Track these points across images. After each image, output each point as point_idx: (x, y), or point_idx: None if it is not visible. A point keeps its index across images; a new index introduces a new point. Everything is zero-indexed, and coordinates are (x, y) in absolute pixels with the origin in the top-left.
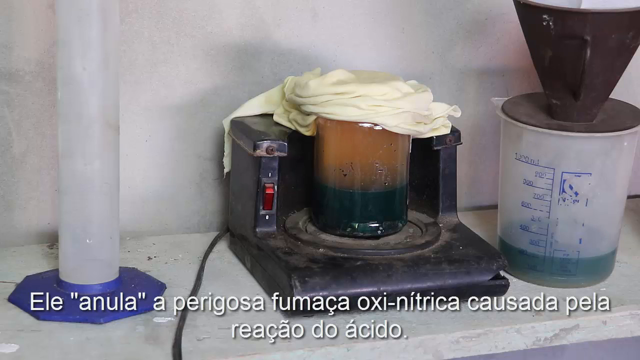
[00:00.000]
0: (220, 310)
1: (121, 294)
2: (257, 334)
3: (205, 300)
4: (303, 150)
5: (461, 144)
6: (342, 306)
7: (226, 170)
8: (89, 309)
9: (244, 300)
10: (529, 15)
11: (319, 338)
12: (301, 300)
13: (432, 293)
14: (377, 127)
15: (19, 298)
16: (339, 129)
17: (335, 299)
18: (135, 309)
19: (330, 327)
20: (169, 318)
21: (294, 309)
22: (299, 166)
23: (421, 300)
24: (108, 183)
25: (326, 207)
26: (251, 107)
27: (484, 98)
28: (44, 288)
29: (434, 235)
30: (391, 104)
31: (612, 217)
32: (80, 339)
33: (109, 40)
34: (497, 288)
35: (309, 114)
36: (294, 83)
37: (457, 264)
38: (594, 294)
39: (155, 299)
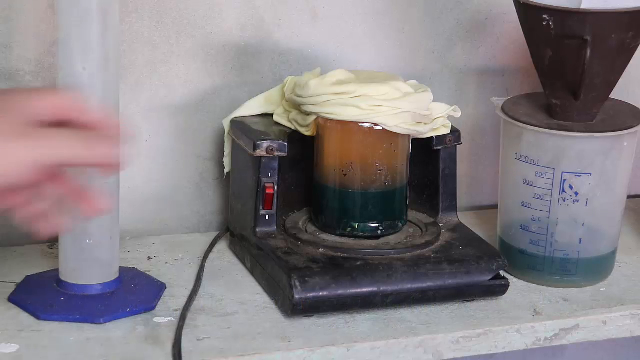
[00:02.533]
0: (220, 310)
1: (121, 294)
2: (257, 334)
3: (205, 300)
4: (303, 150)
5: (461, 144)
6: (342, 306)
7: (226, 170)
8: (89, 309)
9: (244, 300)
10: (529, 15)
11: (319, 338)
12: (301, 300)
13: (432, 293)
14: (377, 127)
15: (19, 298)
16: (339, 129)
17: (335, 299)
18: (135, 309)
19: (330, 327)
20: (169, 318)
21: (294, 309)
22: (299, 166)
23: (421, 300)
24: (108, 183)
25: (326, 207)
26: (251, 107)
27: (484, 98)
28: (44, 288)
29: (434, 235)
30: (391, 104)
31: (612, 217)
32: (80, 339)
33: (109, 40)
34: (497, 288)
35: (309, 114)
36: (294, 83)
37: (457, 264)
38: (594, 294)
39: (155, 299)
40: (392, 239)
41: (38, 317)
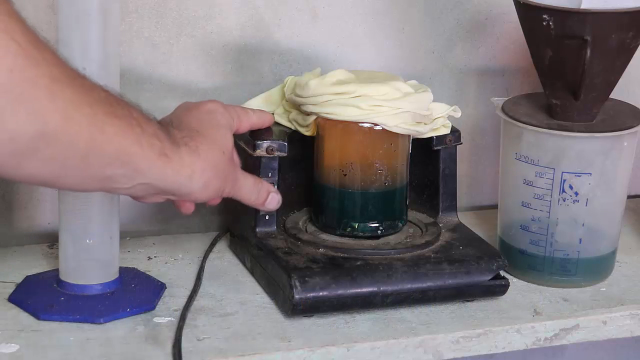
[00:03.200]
0: (220, 310)
1: (121, 294)
2: (257, 334)
3: (205, 300)
4: (303, 150)
5: (461, 144)
6: (342, 306)
7: None
8: (89, 309)
9: (244, 300)
10: (529, 15)
11: (319, 338)
12: (301, 300)
13: (432, 293)
14: (377, 127)
15: (19, 298)
16: (339, 129)
17: (335, 299)
18: (135, 309)
19: (330, 327)
20: (169, 318)
21: (294, 309)
22: (299, 166)
23: (421, 300)
24: None
25: (326, 207)
26: (251, 107)
27: (484, 98)
28: (44, 288)
29: (434, 235)
30: (391, 104)
31: (612, 217)
32: (80, 339)
33: (109, 40)
34: (497, 288)
35: (309, 114)
36: (294, 83)
37: (457, 264)
38: (594, 294)
39: (155, 299)
40: (392, 239)
41: (38, 317)
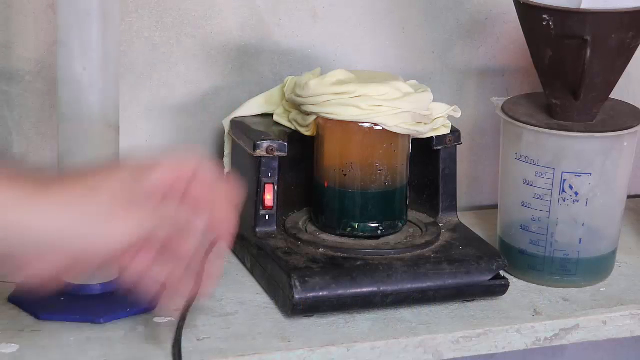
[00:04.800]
0: (220, 310)
1: (121, 294)
2: (257, 334)
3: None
4: (303, 150)
5: (461, 144)
6: (342, 306)
7: (226, 170)
8: (89, 309)
9: (244, 300)
10: (529, 15)
11: (319, 338)
12: (301, 300)
13: (432, 293)
14: (377, 127)
15: (19, 298)
16: (339, 129)
17: (335, 299)
18: (135, 309)
19: (330, 327)
20: (169, 318)
21: (294, 309)
22: (299, 166)
23: (421, 300)
24: None
25: (326, 207)
26: (251, 107)
27: (484, 98)
28: None
29: (434, 235)
30: (391, 104)
31: (612, 217)
32: (80, 339)
33: (109, 40)
34: (497, 288)
35: (309, 114)
36: (294, 83)
37: (457, 264)
38: (594, 294)
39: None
40: (392, 239)
41: (38, 317)
